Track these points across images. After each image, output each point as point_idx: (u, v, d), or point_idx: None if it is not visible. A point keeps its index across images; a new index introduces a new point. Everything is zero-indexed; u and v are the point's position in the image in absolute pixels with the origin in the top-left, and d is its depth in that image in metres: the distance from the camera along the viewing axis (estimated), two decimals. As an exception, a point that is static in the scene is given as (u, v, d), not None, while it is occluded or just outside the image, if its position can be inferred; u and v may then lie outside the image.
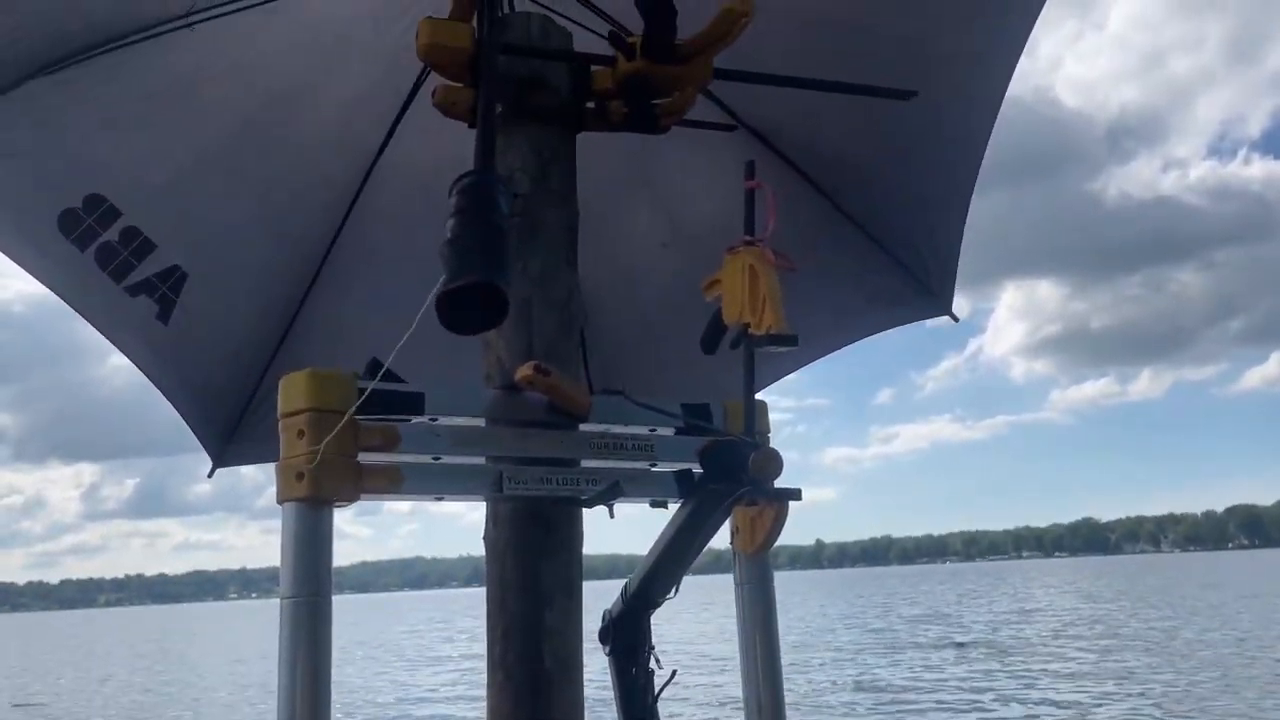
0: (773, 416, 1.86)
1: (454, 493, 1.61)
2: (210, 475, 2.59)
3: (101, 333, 2.32)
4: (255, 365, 2.52)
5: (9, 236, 2.19)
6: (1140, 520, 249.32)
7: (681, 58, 1.80)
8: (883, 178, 2.38)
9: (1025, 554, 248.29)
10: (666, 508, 1.75)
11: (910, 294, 2.54)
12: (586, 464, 1.70)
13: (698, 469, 1.68)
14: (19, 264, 2.18)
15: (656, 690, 1.96)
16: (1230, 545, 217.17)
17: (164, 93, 2.22)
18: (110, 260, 2.22)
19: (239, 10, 2.20)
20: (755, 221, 1.66)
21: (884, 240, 2.46)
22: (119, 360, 2.46)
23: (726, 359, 1.81)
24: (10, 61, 2.04)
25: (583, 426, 1.71)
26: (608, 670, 1.95)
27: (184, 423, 2.60)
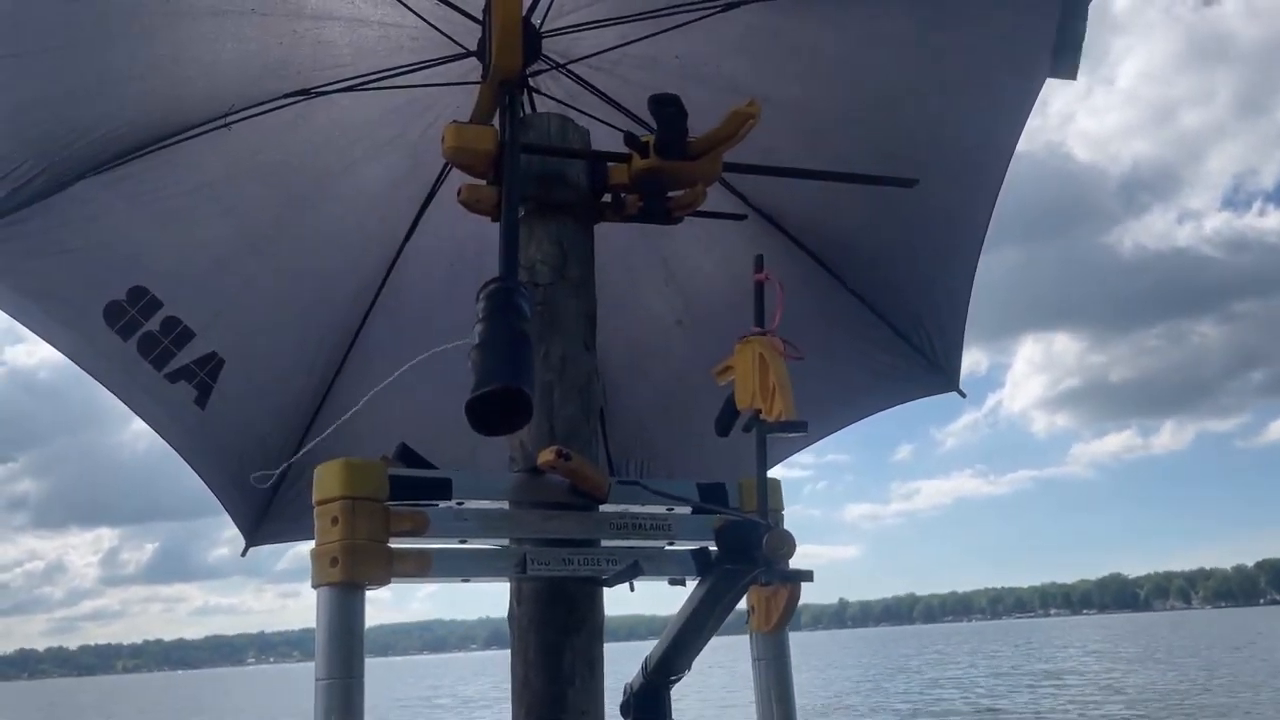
0: (792, 473, 1.94)
1: (480, 575, 1.67)
2: (244, 554, 2.68)
3: (141, 418, 2.43)
4: (287, 447, 2.61)
5: (59, 329, 2.31)
6: (1169, 575, 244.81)
7: (692, 155, 1.90)
8: (889, 259, 2.48)
9: (1053, 611, 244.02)
10: (685, 585, 1.81)
11: (918, 371, 2.62)
12: (607, 543, 1.77)
13: (714, 547, 1.74)
14: (68, 356, 2.30)
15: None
16: (1262, 600, 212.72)
17: (204, 189, 2.35)
18: (152, 349, 2.33)
19: (272, 110, 2.34)
20: (765, 312, 1.74)
21: (891, 319, 2.55)
22: (139, 426, 2.55)
23: (741, 435, 1.88)
24: (66, 163, 2.18)
25: (603, 507, 1.78)
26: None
27: (208, 492, 2.68)
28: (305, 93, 2.35)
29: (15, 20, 2.03)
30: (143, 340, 2.32)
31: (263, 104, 2.32)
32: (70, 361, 2.38)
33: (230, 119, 2.30)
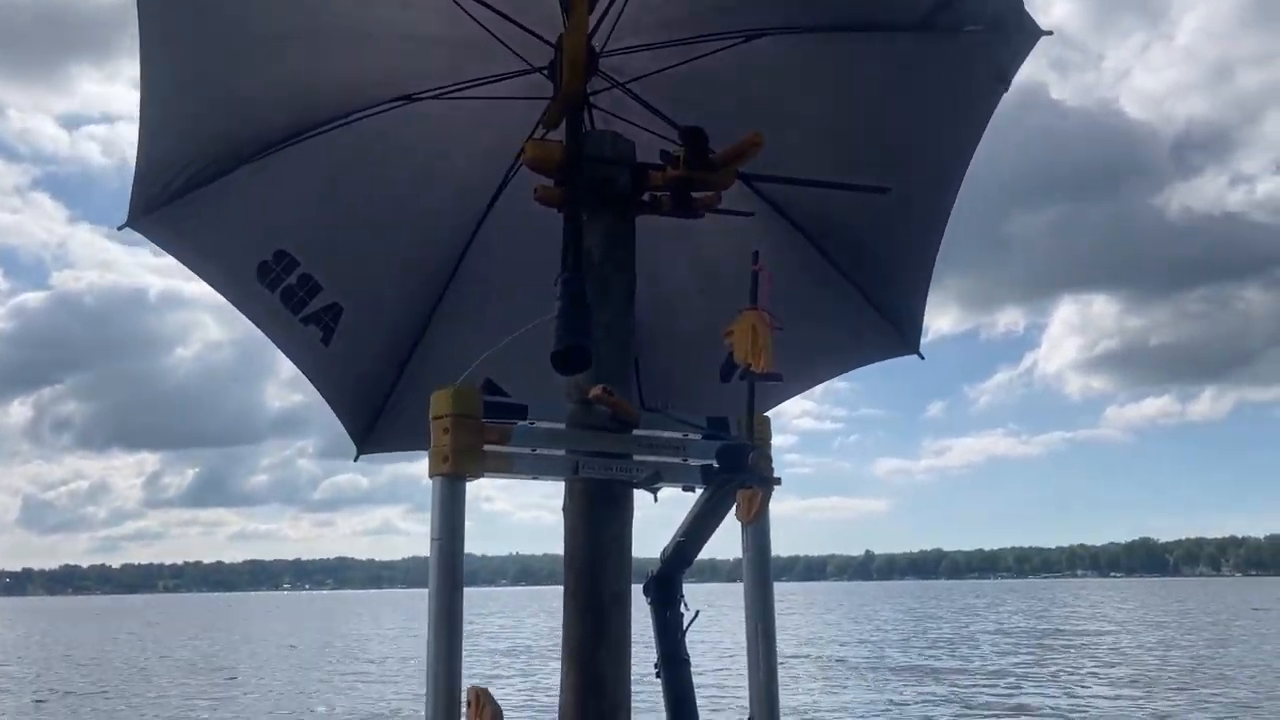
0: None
1: (546, 474, 2.31)
2: (356, 460, 3.38)
3: (283, 352, 3.13)
4: (390, 376, 3.28)
5: (222, 282, 2.99)
6: (1200, 542, 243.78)
7: (712, 167, 2.50)
8: (870, 243, 3.07)
9: (1080, 572, 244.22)
10: (694, 491, 2.44)
11: (886, 337, 3.24)
12: (638, 458, 2.40)
13: (715, 463, 2.36)
14: (231, 302, 2.98)
15: (685, 628, 2.67)
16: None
17: (330, 175, 2.99)
18: (291, 299, 3.00)
19: (383, 112, 2.96)
20: (759, 293, 2.33)
21: (869, 292, 3.15)
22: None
23: (738, 384, 2.49)
24: (226, 156, 2.83)
25: (636, 431, 2.40)
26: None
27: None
28: (407, 98, 2.96)
29: (191, 50, 2.67)
30: (284, 292, 2.99)
31: (375, 106, 2.94)
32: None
33: (351, 119, 2.92)
